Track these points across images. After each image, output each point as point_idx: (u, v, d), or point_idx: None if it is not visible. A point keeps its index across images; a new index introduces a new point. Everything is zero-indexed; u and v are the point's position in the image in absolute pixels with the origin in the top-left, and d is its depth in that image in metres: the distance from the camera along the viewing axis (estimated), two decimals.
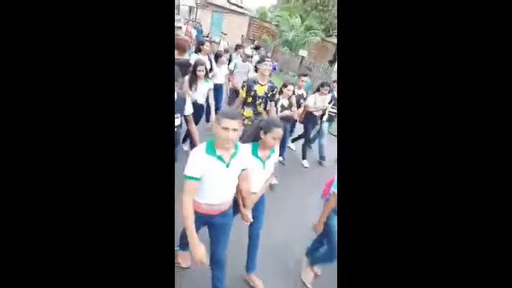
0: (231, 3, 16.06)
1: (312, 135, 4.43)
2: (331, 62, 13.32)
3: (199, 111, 3.30)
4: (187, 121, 2.39)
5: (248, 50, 5.11)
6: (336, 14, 16.33)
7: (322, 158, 4.44)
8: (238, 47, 5.58)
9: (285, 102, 3.44)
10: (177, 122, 2.29)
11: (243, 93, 3.01)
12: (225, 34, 8.42)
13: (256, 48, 7.74)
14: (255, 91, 2.97)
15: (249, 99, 2.98)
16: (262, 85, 3.00)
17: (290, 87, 3.37)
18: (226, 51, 5.95)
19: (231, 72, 4.76)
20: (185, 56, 3.58)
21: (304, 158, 4.32)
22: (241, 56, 5.17)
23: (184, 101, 2.30)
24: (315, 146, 4.63)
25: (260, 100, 3.01)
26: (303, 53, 11.77)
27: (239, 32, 12.78)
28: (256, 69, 3.30)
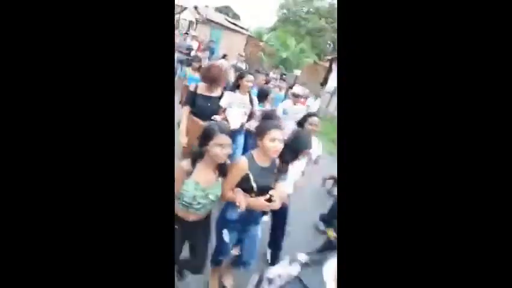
0: (229, 22, 16.66)
1: None
2: (322, 84, 14.00)
3: None
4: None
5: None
6: (328, 41, 17.38)
7: None
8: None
9: None
10: None
11: None
12: (242, 56, 6.78)
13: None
14: None
15: None
16: None
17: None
18: (267, 82, 4.17)
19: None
20: (217, 92, 2.52)
21: None
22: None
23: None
24: None
25: None
26: (297, 72, 12.33)
27: (236, 50, 13.16)
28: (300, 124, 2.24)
